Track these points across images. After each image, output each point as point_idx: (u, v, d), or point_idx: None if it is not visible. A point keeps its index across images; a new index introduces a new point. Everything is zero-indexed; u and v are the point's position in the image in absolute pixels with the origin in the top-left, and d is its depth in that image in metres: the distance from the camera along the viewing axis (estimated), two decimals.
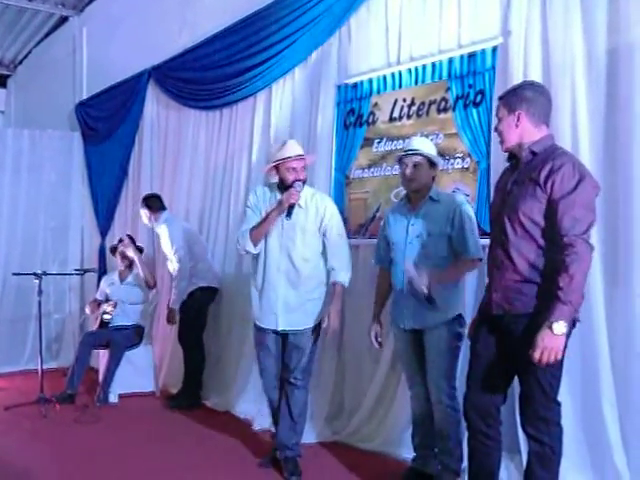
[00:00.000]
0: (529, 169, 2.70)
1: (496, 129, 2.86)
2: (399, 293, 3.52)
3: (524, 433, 2.80)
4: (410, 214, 3.50)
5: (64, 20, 8.97)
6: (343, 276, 3.80)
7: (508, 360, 2.75)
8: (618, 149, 3.27)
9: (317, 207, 3.80)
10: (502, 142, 2.82)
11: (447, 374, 3.38)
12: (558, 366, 2.63)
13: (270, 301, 3.84)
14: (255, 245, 3.80)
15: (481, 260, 3.35)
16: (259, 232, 3.77)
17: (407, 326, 3.48)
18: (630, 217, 3.19)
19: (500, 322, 2.76)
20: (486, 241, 3.16)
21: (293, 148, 3.82)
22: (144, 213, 5.77)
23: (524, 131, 2.74)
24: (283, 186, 3.81)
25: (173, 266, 5.51)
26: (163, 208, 5.80)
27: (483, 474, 2.92)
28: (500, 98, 2.87)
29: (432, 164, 3.48)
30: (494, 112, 3.06)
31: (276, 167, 3.81)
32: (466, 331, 3.33)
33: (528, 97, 2.74)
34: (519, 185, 2.72)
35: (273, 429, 4.15)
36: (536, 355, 2.49)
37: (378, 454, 4.08)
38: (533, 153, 2.72)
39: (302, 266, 3.80)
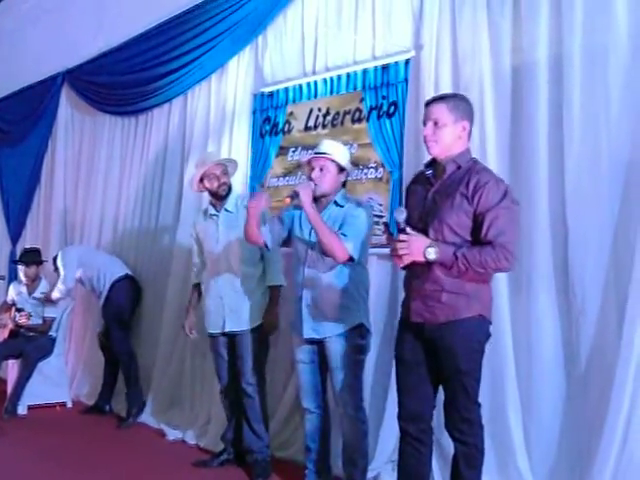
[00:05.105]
0: (453, 181, 2.67)
1: (433, 133, 2.68)
2: (298, 300, 3.41)
3: (450, 437, 2.80)
4: None
5: None
6: (280, 278, 3.96)
7: (432, 366, 2.77)
8: (522, 159, 3.39)
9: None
10: (434, 147, 2.69)
11: (350, 387, 3.31)
12: (479, 369, 2.72)
13: (217, 306, 3.98)
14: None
15: (352, 260, 3.20)
16: None
17: (306, 335, 3.39)
18: (532, 224, 3.30)
19: (421, 330, 2.73)
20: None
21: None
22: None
23: (463, 143, 2.70)
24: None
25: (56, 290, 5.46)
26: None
27: (414, 478, 2.89)
28: (441, 99, 2.73)
29: (341, 169, 3.37)
30: (422, 116, 2.76)
31: None
32: (370, 342, 3.38)
33: (469, 111, 2.72)
34: (442, 196, 2.67)
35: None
36: (399, 246, 2.55)
37: (293, 462, 4.06)
38: (458, 166, 2.69)
39: (241, 269, 3.91)
